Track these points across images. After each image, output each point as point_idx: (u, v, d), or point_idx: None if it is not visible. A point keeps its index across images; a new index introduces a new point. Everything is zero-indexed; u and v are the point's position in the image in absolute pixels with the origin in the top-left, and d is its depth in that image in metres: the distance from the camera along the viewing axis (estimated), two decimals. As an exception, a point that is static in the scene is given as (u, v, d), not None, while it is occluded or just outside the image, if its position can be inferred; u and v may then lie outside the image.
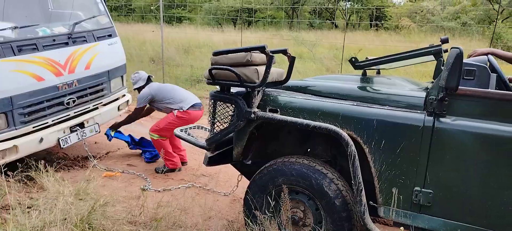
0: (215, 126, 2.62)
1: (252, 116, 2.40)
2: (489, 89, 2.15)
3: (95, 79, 4.21)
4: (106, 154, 4.74)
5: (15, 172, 3.20)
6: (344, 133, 2.19)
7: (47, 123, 3.75)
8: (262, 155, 2.79)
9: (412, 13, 18.63)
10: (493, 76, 2.37)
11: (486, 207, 2.04)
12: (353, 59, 2.80)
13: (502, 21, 15.99)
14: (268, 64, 2.34)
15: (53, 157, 4.36)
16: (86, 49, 4.11)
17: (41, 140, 3.67)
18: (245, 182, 2.86)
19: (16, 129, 3.47)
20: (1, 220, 2.97)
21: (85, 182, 3.17)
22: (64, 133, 3.92)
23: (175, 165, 4.22)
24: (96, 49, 4.23)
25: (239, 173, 3.09)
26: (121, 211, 2.99)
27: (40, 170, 3.29)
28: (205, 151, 2.86)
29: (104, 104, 4.44)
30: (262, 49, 2.33)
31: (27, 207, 2.93)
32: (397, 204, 2.23)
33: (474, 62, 2.30)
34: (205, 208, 3.39)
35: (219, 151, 2.81)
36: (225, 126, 2.58)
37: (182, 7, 19.93)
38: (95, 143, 4.87)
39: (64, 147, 3.91)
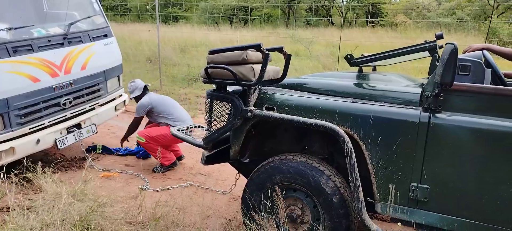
0: (212, 124, 2.62)
1: (249, 114, 2.41)
2: (484, 85, 2.17)
3: (91, 80, 4.20)
4: (103, 154, 4.73)
5: (13, 174, 3.19)
6: (340, 130, 2.20)
7: (44, 124, 3.74)
8: (259, 153, 2.80)
9: (408, 9, 18.68)
10: (488, 71, 2.39)
11: (482, 202, 2.06)
12: (348, 56, 2.80)
13: (497, 16, 16.06)
14: (264, 62, 2.34)
15: (50, 158, 4.35)
16: (82, 50, 4.10)
17: (38, 141, 3.66)
18: (243, 181, 2.87)
19: (12, 131, 3.46)
20: (0, 221, 2.97)
21: (83, 183, 3.17)
22: (61, 133, 3.91)
23: (170, 160, 4.22)
24: (92, 49, 4.22)
25: (237, 172, 3.10)
26: (119, 211, 2.99)
27: (37, 171, 3.28)
28: (202, 150, 2.86)
29: (101, 105, 4.43)
30: (257, 47, 2.33)
31: (26, 209, 2.92)
32: (394, 200, 2.24)
33: (469, 58, 2.31)
34: (204, 207, 3.39)
35: (216, 150, 2.81)
36: (222, 125, 2.59)
37: (178, 6, 19.90)
38: (92, 143, 4.86)
39: (61, 148, 3.90)
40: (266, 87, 2.67)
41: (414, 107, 2.17)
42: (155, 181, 4.00)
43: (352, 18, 20.51)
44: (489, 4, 14.74)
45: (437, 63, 2.45)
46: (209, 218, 3.29)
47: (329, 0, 20.93)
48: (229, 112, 2.54)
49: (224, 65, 2.40)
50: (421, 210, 2.20)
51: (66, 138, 3.94)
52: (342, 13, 20.54)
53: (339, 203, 2.31)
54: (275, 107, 2.45)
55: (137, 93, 4.37)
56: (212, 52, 2.52)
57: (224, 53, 2.47)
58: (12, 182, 3.22)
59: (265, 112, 2.42)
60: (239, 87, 2.54)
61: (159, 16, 8.28)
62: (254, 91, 2.48)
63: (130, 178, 4.06)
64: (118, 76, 4.70)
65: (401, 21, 16.76)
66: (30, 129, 3.61)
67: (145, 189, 3.77)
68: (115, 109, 4.62)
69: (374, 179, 2.25)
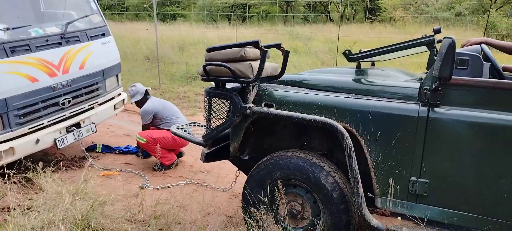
0: (211, 122, 2.63)
1: (248, 111, 2.41)
2: (482, 78, 2.17)
3: (89, 79, 4.19)
4: (103, 153, 4.74)
5: (12, 174, 3.19)
6: (339, 126, 2.20)
7: (43, 123, 3.74)
8: (259, 150, 2.80)
9: (406, 4, 18.63)
10: (487, 65, 2.39)
11: (481, 195, 2.06)
12: (346, 51, 2.80)
13: (496, 10, 16.04)
14: (262, 59, 2.34)
15: (50, 158, 4.35)
16: (80, 49, 4.09)
17: (38, 141, 3.66)
18: (243, 178, 2.87)
19: (12, 131, 3.46)
20: (1, 221, 2.97)
21: (83, 182, 3.17)
22: (60, 133, 3.91)
23: (171, 160, 4.22)
24: (89, 48, 4.21)
25: (237, 169, 3.10)
26: (120, 209, 3.00)
27: (37, 171, 3.28)
28: (202, 148, 2.87)
29: (100, 104, 4.43)
30: (255, 44, 2.33)
31: (27, 208, 2.93)
32: (394, 194, 2.25)
33: (467, 52, 2.31)
34: (204, 204, 3.40)
35: (216, 147, 2.82)
36: (221, 122, 2.59)
37: (176, 4, 19.84)
38: (92, 142, 4.87)
39: (61, 147, 3.90)
40: (264, 84, 2.67)
41: (412, 102, 2.17)
42: (156, 179, 4.01)
43: (351, 14, 20.47)
44: (487, -2, 14.72)
45: (435, 57, 2.46)
46: (209, 215, 3.30)
47: (327, -4, 20.88)
48: (228, 109, 2.54)
49: (222, 63, 2.40)
50: (420, 204, 2.21)
51: (65, 137, 3.95)
52: (340, 9, 20.50)
53: (339, 199, 2.32)
54: (274, 104, 2.45)
55: (138, 97, 4.37)
56: (210, 50, 2.52)
57: (222, 50, 2.46)
58: (13, 182, 3.22)
59: (264, 109, 2.42)
60: (238, 85, 2.54)
61: (156, 14, 8.26)
62: (252, 88, 2.48)
63: (130, 177, 4.07)
64: (117, 75, 4.69)
65: (399, 16, 16.73)
66: (29, 129, 3.61)
67: (145, 187, 3.78)
68: (114, 108, 4.62)
69: (374, 174, 2.25)
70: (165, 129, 4.17)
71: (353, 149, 2.18)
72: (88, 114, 4.22)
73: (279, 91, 2.51)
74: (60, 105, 3.87)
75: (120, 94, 4.79)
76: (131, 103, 4.49)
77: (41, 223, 2.55)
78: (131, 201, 3.27)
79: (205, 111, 2.65)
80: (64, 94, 3.90)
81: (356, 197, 2.22)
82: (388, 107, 2.18)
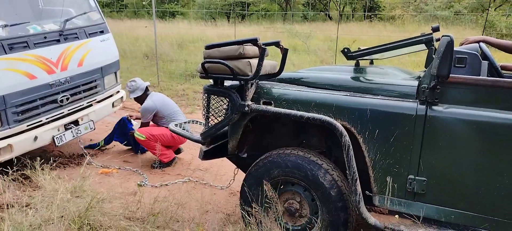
0: (210, 119, 2.63)
1: (246, 108, 2.41)
2: (480, 77, 2.17)
3: (88, 76, 4.18)
4: (101, 150, 4.73)
5: (11, 171, 3.19)
6: (338, 124, 2.20)
7: (41, 121, 3.73)
8: (257, 147, 2.80)
9: (406, 2, 18.62)
10: (485, 63, 2.39)
11: (479, 193, 2.07)
12: (345, 50, 2.81)
13: (495, 9, 16.05)
14: (261, 56, 2.34)
15: (48, 155, 4.34)
16: (78, 46, 4.08)
17: (36, 138, 3.65)
18: (241, 175, 2.88)
19: (10, 128, 3.45)
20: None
21: (81, 179, 3.17)
22: (58, 130, 3.90)
23: (170, 157, 4.22)
24: (88, 46, 4.20)
25: (235, 166, 3.10)
26: (118, 207, 3.00)
27: (35, 168, 3.28)
28: (200, 145, 2.87)
29: (98, 101, 4.42)
30: (254, 41, 2.33)
31: (24, 205, 2.92)
32: (391, 192, 2.25)
33: (465, 50, 2.31)
34: (202, 202, 3.40)
35: (214, 145, 2.82)
36: (219, 120, 2.59)
37: (175, 2, 19.81)
38: (91, 140, 4.86)
39: (59, 145, 3.90)
40: (263, 82, 2.67)
41: (411, 100, 2.17)
42: (154, 177, 4.01)
43: (350, 12, 20.46)
44: (486, -4, 14.73)
45: (433, 56, 2.46)
46: (208, 213, 3.30)
47: (326, -6, 20.86)
48: (226, 107, 2.54)
49: (220, 60, 2.39)
50: (418, 202, 2.21)
51: (63, 134, 3.94)
52: (339, 7, 20.47)
53: (337, 196, 2.32)
54: (272, 102, 2.45)
55: (139, 93, 4.31)
56: (208, 47, 2.51)
57: (220, 48, 2.46)
58: (11, 179, 3.22)
59: (263, 106, 2.42)
60: (236, 82, 2.54)
61: (155, 12, 8.24)
62: (251, 86, 2.48)
63: (128, 174, 4.07)
64: (115, 73, 4.68)
65: (398, 15, 16.72)
66: (27, 126, 3.61)
67: (143, 185, 3.78)
68: (113, 105, 4.61)
69: (372, 172, 2.26)
70: (164, 126, 4.16)
71: (351, 147, 2.18)
72: (86, 112, 4.21)
73: (278, 89, 2.50)
74: (59, 102, 3.86)
75: (118, 91, 4.78)
76: (130, 98, 4.46)
77: (38, 220, 2.55)
78: (129, 198, 3.27)
79: (204, 109, 2.65)
80: (63, 91, 3.89)
81: (354, 195, 2.23)
82: (386, 106, 2.19)
